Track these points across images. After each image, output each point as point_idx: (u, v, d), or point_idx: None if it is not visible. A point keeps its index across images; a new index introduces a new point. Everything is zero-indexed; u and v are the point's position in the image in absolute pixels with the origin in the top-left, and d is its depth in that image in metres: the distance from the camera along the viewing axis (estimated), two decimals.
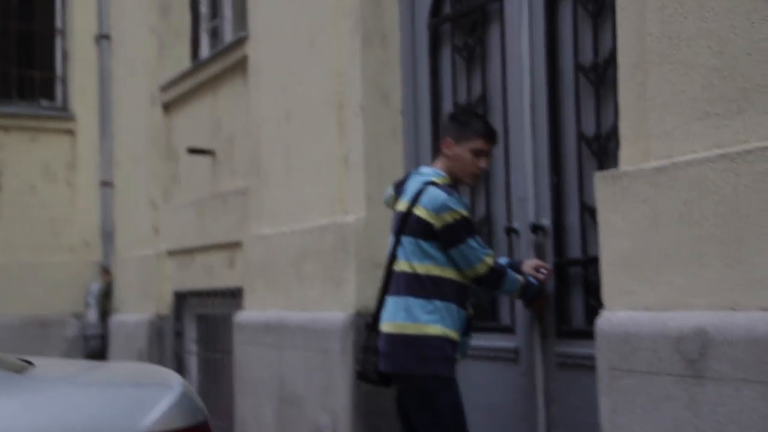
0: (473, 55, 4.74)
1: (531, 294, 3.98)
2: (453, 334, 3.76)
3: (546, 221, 4.17)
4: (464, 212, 3.76)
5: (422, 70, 5.11)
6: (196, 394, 3.42)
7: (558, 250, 4.12)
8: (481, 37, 4.68)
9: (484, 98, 4.61)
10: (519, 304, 4.26)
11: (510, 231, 4.34)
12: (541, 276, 4.00)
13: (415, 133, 5.16)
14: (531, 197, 4.24)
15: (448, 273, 3.79)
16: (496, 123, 4.50)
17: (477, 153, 3.87)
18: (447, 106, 4.93)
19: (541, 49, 4.24)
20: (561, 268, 4.09)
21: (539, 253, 4.17)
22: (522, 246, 4.29)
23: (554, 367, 4.11)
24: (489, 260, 3.80)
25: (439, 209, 3.73)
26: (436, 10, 5.03)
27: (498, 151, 4.46)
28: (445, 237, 3.76)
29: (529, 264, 4.03)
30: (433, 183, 3.82)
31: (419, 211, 3.77)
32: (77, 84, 9.98)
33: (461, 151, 3.87)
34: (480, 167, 3.89)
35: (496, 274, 3.83)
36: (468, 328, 3.88)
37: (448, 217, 3.74)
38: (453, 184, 3.90)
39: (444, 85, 4.96)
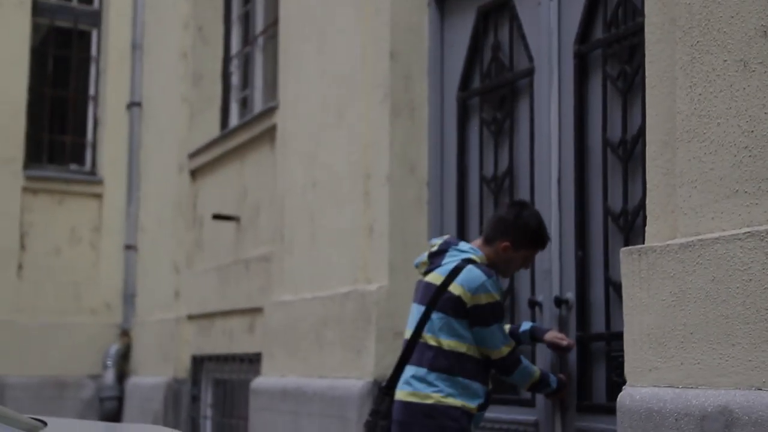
0: (501, 128, 4.78)
1: (544, 391, 4.01)
2: (472, 406, 3.78)
3: (570, 295, 4.17)
4: (497, 296, 3.82)
5: (450, 142, 5.15)
6: None
7: (581, 324, 4.10)
8: (509, 111, 4.72)
9: (510, 171, 4.64)
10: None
11: (533, 304, 4.34)
12: (563, 343, 4.02)
13: (440, 205, 5.18)
14: (556, 270, 4.24)
15: (473, 351, 3.82)
16: (523, 196, 4.53)
17: (527, 258, 3.99)
18: (473, 179, 4.96)
19: (569, 125, 4.28)
20: (584, 342, 4.07)
21: (562, 326, 4.16)
22: (545, 319, 4.28)
23: None
24: (505, 350, 3.85)
25: (476, 290, 3.79)
26: (465, 84, 5.09)
27: None
28: (472, 315, 3.79)
29: (552, 334, 4.01)
30: (472, 261, 3.86)
31: (456, 289, 3.79)
32: (107, 149, 10.09)
33: (515, 255, 3.93)
34: (519, 268, 4.08)
35: (509, 364, 3.88)
36: (487, 401, 3.86)
37: (483, 299, 3.79)
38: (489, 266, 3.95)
39: (471, 158, 5.00)
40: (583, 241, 4.16)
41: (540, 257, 4.36)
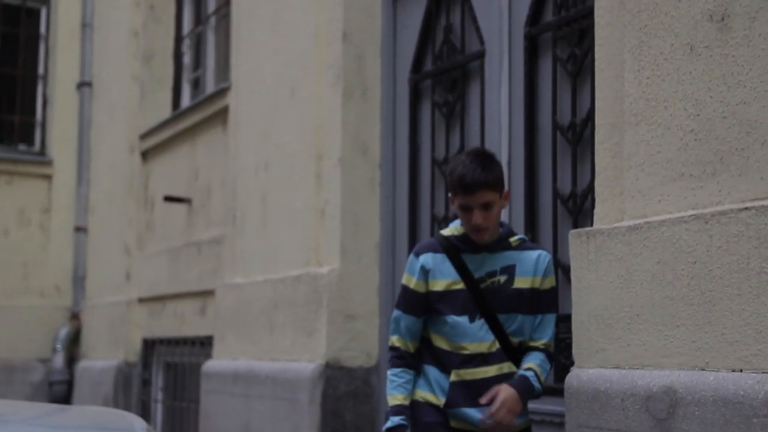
0: (453, 111, 4.78)
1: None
2: (431, 397, 3.43)
3: None
4: (406, 279, 3.47)
5: (402, 124, 5.14)
6: None
7: None
8: (461, 93, 4.73)
9: (461, 152, 4.65)
10: None
11: None
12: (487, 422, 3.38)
13: (392, 187, 5.18)
14: None
15: (429, 334, 3.48)
16: None
17: (463, 208, 3.35)
18: (425, 161, 4.97)
19: (520, 107, 4.29)
20: None
21: None
22: None
23: None
24: (392, 339, 3.51)
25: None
26: (417, 66, 5.08)
27: None
28: None
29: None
30: (439, 234, 3.51)
31: None
32: (56, 129, 9.97)
33: (455, 207, 3.42)
34: (471, 223, 3.34)
35: (390, 361, 3.51)
36: (470, 395, 3.39)
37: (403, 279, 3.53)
38: (464, 237, 3.44)
39: (423, 140, 5.00)
40: (532, 224, 4.18)
41: None
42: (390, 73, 5.25)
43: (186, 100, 7.99)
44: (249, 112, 6.28)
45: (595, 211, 3.41)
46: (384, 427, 3.42)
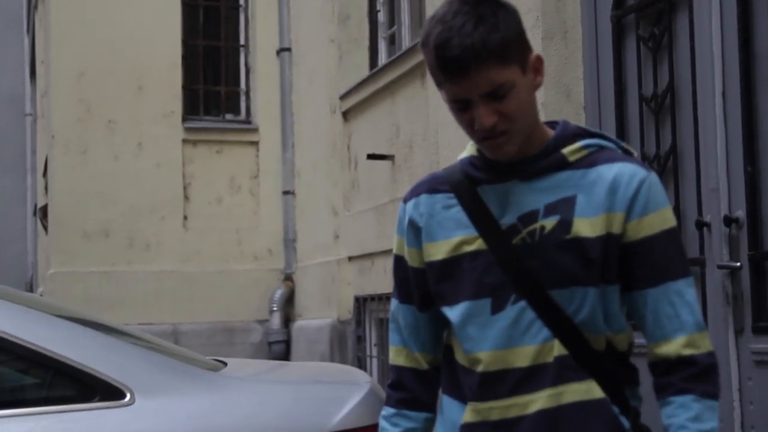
0: (660, 45, 4.59)
1: None
2: None
3: (740, 213, 3.98)
4: (395, 245, 2.13)
5: (605, 64, 4.98)
6: (383, 391, 3.43)
7: (753, 243, 3.92)
8: (668, 26, 4.53)
9: (671, 88, 4.46)
10: (709, 299, 4.06)
11: (701, 224, 4.16)
12: None
13: (599, 128, 5.03)
14: (724, 188, 4.06)
15: (451, 339, 2.05)
16: (685, 114, 4.34)
17: (457, 105, 1.94)
18: (632, 101, 4.79)
19: (733, 34, 4.06)
20: (757, 261, 3.89)
21: (733, 246, 3.98)
22: (714, 240, 4.11)
23: (750, 364, 3.91)
24: (390, 351, 2.18)
25: None
26: (619, 2, 4.90)
27: (687, 140, 4.30)
28: None
29: None
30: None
31: None
32: (260, 97, 10.25)
33: (445, 102, 2.00)
34: (474, 129, 1.93)
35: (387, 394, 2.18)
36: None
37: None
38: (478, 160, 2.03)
39: (629, 79, 4.82)
40: (752, 156, 3.95)
41: (706, 174, 4.17)
42: (591, 12, 5.08)
43: (383, 58, 8.04)
44: None
45: None
46: None
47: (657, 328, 1.88)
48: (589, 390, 1.86)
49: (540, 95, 5.11)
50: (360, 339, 8.08)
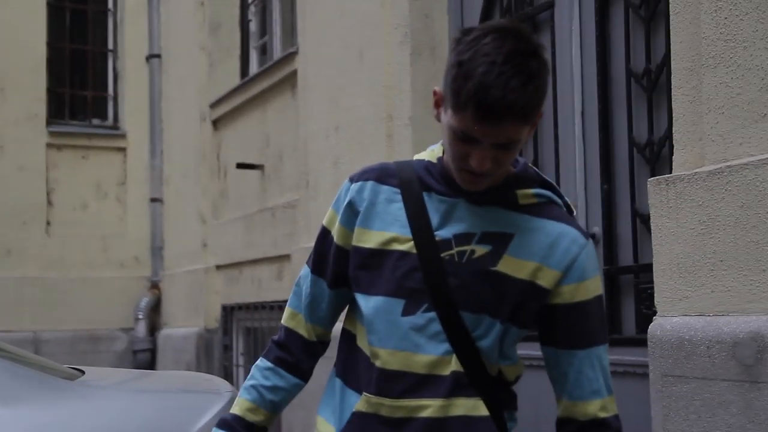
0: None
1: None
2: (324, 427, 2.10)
3: (597, 229, 4.14)
4: (327, 216, 2.12)
5: None
6: None
7: (609, 258, 4.08)
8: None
9: None
10: None
11: None
12: None
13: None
14: (582, 204, 4.21)
15: (354, 324, 2.09)
16: (546, 132, 4.48)
17: (462, 139, 1.85)
18: None
19: (592, 56, 4.22)
20: (612, 276, 4.05)
21: None
22: None
23: None
24: (285, 312, 2.17)
25: None
26: (485, 21, 5.02)
27: (548, 158, 4.44)
28: None
29: None
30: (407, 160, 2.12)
31: None
32: (128, 102, 10.10)
33: (446, 121, 1.89)
34: (469, 164, 1.88)
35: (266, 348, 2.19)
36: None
37: None
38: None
39: None
40: (608, 174, 4.12)
41: (566, 192, 4.30)
42: (458, 28, 5.20)
43: (254, 67, 8.03)
44: (317, 76, 6.28)
45: (674, 157, 3.35)
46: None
47: (577, 387, 1.99)
48: (475, 407, 1.95)
49: (407, 111, 5.22)
50: (227, 348, 8.04)
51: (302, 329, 2.12)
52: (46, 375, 3.14)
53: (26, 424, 2.87)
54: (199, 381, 3.90)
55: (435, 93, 1.93)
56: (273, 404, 2.12)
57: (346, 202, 2.04)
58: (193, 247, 8.68)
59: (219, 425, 2.12)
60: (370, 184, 2.04)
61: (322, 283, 2.09)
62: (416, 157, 2.08)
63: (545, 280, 1.95)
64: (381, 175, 2.05)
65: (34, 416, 2.90)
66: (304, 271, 2.13)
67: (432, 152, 2.05)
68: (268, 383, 2.11)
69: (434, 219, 1.96)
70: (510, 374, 2.04)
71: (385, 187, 2.02)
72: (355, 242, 2.02)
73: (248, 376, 2.14)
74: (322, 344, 2.14)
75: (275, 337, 2.15)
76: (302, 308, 2.11)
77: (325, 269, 2.08)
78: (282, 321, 2.15)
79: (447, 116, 1.86)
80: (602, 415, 1.99)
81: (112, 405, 3.14)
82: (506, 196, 1.97)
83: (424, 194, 1.99)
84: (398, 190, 2.01)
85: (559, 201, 2.04)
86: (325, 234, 2.10)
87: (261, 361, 2.14)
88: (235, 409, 2.13)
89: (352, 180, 2.08)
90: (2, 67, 9.49)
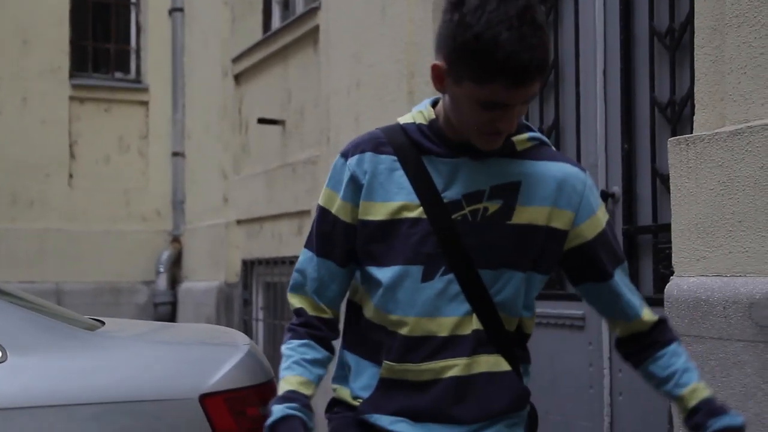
0: (546, 21, 4.69)
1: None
2: (345, 393, 2.10)
3: (616, 188, 4.13)
4: (325, 198, 2.08)
5: None
6: (262, 354, 3.46)
7: (628, 217, 4.08)
8: (553, 3, 4.63)
9: (556, 64, 4.57)
10: None
11: None
12: None
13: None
14: (602, 164, 4.20)
15: (361, 298, 2.11)
16: (568, 90, 4.47)
17: (485, 105, 1.86)
18: None
19: (615, 14, 4.19)
20: (631, 235, 4.05)
21: None
22: None
23: None
24: (292, 299, 2.14)
25: None
26: None
27: (570, 117, 4.42)
28: None
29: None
30: (393, 124, 2.09)
31: None
32: (151, 57, 10.11)
33: (458, 93, 1.90)
34: (493, 127, 1.90)
35: (289, 331, 2.12)
36: (413, 407, 2.01)
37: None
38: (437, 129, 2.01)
39: None
40: (629, 134, 4.10)
41: (586, 150, 4.31)
42: None
43: (276, 22, 8.00)
44: (339, 32, 6.26)
45: (695, 117, 3.33)
46: (266, 425, 2.00)
47: (629, 308, 2.10)
48: (497, 362, 2.00)
49: (428, 67, 5.18)
50: (246, 302, 8.09)
51: (317, 311, 2.09)
52: (66, 325, 3.17)
53: (47, 373, 2.91)
54: (217, 334, 3.93)
55: (435, 67, 1.91)
56: (318, 378, 2.07)
57: (347, 178, 2.03)
58: (214, 202, 8.71)
59: (278, 402, 2.00)
60: (368, 155, 2.02)
61: (330, 264, 2.07)
62: (401, 120, 2.06)
63: (560, 221, 2.00)
64: (376, 144, 2.03)
65: (54, 365, 2.94)
66: (307, 256, 2.10)
67: (421, 114, 2.04)
68: (308, 356, 2.05)
69: (439, 181, 1.97)
70: (529, 327, 2.09)
71: (383, 157, 2.01)
72: (362, 216, 2.01)
73: (283, 359, 2.07)
74: (337, 319, 2.13)
75: (293, 322, 2.11)
76: (313, 293, 2.08)
77: (332, 249, 2.06)
78: (294, 306, 2.12)
79: (463, 88, 1.86)
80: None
81: (131, 355, 3.16)
82: (505, 146, 1.98)
83: (423, 158, 1.99)
84: (395, 158, 2.01)
85: (547, 140, 2.07)
86: (324, 214, 2.07)
87: (289, 343, 2.07)
88: (287, 386, 2.03)
89: (345, 155, 2.05)
90: (26, 19, 9.51)
